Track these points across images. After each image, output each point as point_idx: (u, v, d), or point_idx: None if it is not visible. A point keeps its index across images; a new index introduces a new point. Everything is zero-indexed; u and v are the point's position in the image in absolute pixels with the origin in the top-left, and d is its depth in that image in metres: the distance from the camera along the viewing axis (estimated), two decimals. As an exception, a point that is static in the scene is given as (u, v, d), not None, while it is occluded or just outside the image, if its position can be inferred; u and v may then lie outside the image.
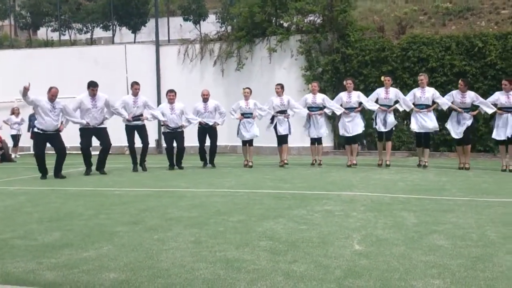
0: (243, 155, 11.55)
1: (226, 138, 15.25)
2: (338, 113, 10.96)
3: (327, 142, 13.94)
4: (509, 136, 9.78)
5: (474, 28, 15.04)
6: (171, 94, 11.10)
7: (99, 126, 10.11)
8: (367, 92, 14.61)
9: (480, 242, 4.12)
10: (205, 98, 11.27)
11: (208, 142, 11.34)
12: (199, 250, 3.92)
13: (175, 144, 11.08)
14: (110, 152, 10.45)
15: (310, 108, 11.11)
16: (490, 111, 10.14)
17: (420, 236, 4.34)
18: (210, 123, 11.15)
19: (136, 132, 10.69)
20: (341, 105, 10.93)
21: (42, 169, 9.48)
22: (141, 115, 10.72)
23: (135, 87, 10.76)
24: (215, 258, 3.72)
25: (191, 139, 11.82)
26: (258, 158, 13.31)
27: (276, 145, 11.49)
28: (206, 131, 11.24)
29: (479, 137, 13.63)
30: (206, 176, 9.67)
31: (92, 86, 10.00)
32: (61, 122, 9.62)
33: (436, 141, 13.63)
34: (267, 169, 10.74)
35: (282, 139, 11.19)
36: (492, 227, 4.69)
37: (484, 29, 15.00)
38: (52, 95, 9.43)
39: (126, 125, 10.70)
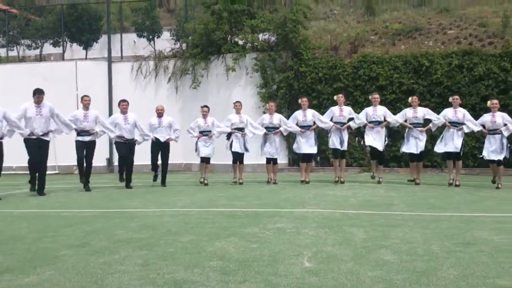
0: (200, 172, 11.45)
1: (181, 156, 15.12)
2: (296, 132, 11.17)
3: (282, 159, 14.03)
4: (454, 151, 10.19)
5: (421, 48, 15.61)
6: (124, 104, 10.96)
7: (43, 138, 9.63)
8: (321, 109, 14.89)
9: (425, 256, 4.22)
10: (160, 113, 11.25)
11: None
12: (147, 273, 3.83)
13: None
14: (57, 172, 10.11)
15: (267, 128, 11.19)
16: (440, 123, 10.57)
17: (368, 252, 4.41)
18: (163, 140, 11.08)
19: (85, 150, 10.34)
20: (296, 124, 11.10)
21: None
22: (92, 130, 10.41)
23: (85, 99, 10.50)
24: (163, 280, 3.64)
25: (144, 157, 11.63)
26: (212, 175, 13.23)
27: (230, 162, 11.47)
28: (160, 146, 11.15)
29: (426, 152, 14.07)
30: (158, 195, 9.53)
31: (38, 93, 9.60)
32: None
33: (386, 157, 13.96)
34: (221, 187, 10.69)
35: (238, 157, 11.23)
36: (437, 241, 4.82)
37: (431, 48, 15.59)
38: None
39: (77, 141, 10.37)
